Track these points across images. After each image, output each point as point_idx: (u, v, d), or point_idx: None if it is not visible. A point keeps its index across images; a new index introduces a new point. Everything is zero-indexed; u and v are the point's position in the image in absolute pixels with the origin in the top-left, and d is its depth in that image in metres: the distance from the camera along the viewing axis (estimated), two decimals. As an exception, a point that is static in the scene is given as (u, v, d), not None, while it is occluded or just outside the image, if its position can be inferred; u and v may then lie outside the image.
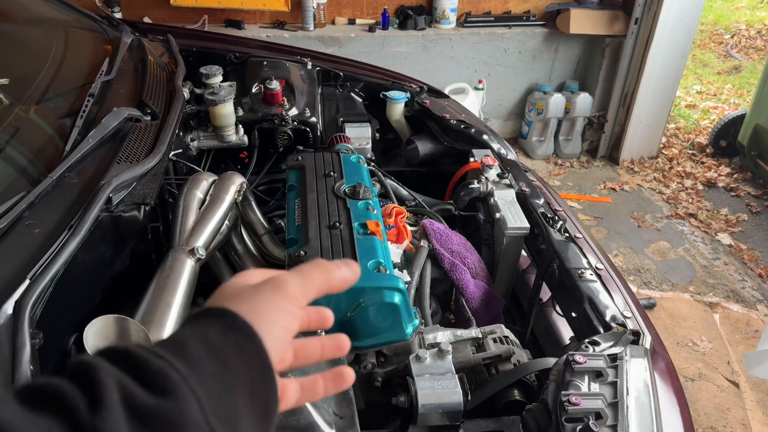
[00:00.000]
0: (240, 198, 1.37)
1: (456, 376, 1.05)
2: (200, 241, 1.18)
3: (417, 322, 1.15)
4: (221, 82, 1.83)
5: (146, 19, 3.65)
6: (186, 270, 1.10)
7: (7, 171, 1.12)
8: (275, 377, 0.49)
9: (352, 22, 3.99)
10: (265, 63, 2.02)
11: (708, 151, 4.57)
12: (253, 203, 1.46)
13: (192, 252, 1.14)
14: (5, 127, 1.19)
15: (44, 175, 1.08)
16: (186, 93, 1.66)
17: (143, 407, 0.39)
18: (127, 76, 1.56)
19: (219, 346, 0.46)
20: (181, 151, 1.68)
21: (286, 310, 0.53)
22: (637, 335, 1.16)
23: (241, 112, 1.82)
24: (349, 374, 0.60)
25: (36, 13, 1.80)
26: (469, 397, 1.06)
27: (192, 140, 1.77)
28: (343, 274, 0.60)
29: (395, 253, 1.36)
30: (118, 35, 1.77)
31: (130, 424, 0.38)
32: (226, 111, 1.73)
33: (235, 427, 0.44)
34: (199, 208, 1.26)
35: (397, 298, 1.09)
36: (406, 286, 1.17)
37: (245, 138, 1.81)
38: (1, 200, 1.01)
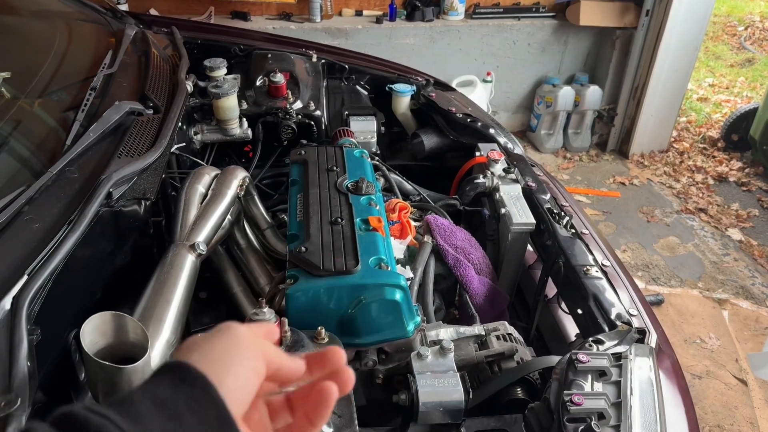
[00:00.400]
0: (242, 192, 1.36)
1: (458, 374, 1.04)
2: (201, 236, 1.17)
3: (419, 319, 1.14)
4: (225, 74, 1.82)
5: (152, 11, 3.64)
6: (186, 265, 1.09)
7: (7, 165, 1.11)
8: (234, 426, 0.47)
9: (359, 13, 3.96)
10: (269, 56, 2.00)
11: (719, 145, 4.51)
12: (256, 197, 1.46)
13: (193, 247, 1.13)
14: (7, 120, 1.19)
15: (44, 170, 1.08)
16: (189, 86, 1.65)
17: None
18: (130, 69, 1.55)
19: (169, 401, 0.45)
20: (184, 144, 1.68)
21: (245, 354, 0.52)
22: (642, 333, 1.15)
23: (245, 106, 1.81)
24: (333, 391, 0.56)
25: (40, 5, 1.80)
26: (471, 395, 1.05)
27: (195, 133, 1.76)
28: (294, 367, 0.56)
29: (398, 248, 1.35)
30: (122, 27, 1.76)
31: None
32: (230, 104, 1.72)
33: None
34: (201, 203, 1.26)
35: (398, 295, 1.08)
36: (409, 282, 1.16)
37: (249, 131, 1.80)
38: (1, 195, 1.00)
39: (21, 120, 1.24)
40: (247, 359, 0.52)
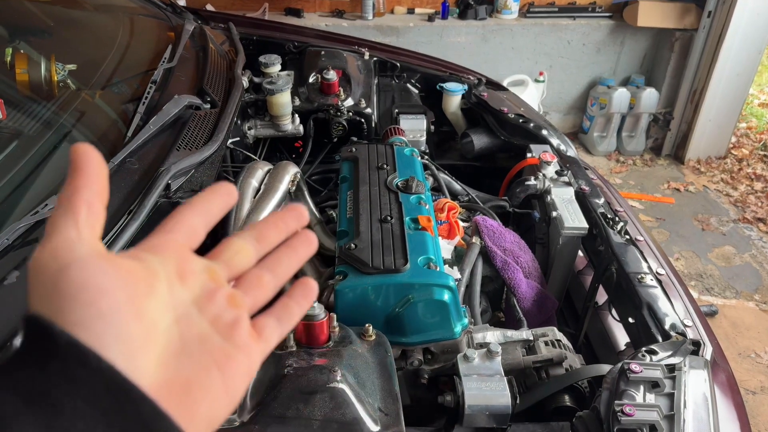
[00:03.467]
0: (294, 188, 1.38)
1: (505, 378, 1.03)
2: (253, 229, 1.19)
3: (466, 320, 1.13)
4: (279, 71, 1.84)
5: (209, 6, 3.71)
6: (238, 258, 1.11)
7: (72, 155, 1.15)
8: (136, 389, 0.34)
9: (411, 11, 3.95)
10: (323, 53, 2.02)
11: (781, 152, 4.33)
12: (306, 193, 1.47)
13: (245, 240, 1.15)
14: (72, 111, 1.23)
15: (107, 160, 1.11)
16: (245, 82, 1.68)
17: None
18: (189, 64, 1.59)
19: (39, 388, 0.32)
20: (238, 139, 1.71)
21: (109, 290, 0.36)
22: (697, 345, 1.11)
23: (297, 102, 1.83)
24: (313, 284, 0.47)
25: (104, 0, 1.86)
26: (518, 401, 1.03)
27: (249, 128, 1.79)
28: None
29: (446, 249, 1.34)
30: (181, 22, 1.81)
31: None
32: (284, 100, 1.74)
33: None
34: (254, 197, 1.28)
35: (446, 296, 1.08)
36: (456, 283, 1.16)
37: (301, 127, 1.82)
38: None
39: (84, 111, 1.28)
40: (103, 295, 0.35)
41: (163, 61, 1.50)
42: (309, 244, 0.47)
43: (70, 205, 0.37)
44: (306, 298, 0.46)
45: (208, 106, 1.44)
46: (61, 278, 0.35)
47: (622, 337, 1.39)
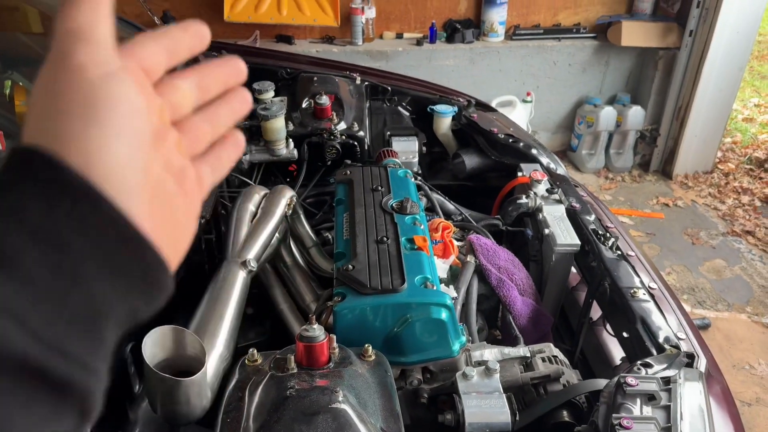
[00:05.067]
0: (290, 211, 1.40)
1: (504, 395, 1.04)
2: (252, 253, 1.21)
3: (464, 338, 1.15)
4: (273, 97, 1.87)
5: (201, 35, 3.76)
6: (238, 282, 1.12)
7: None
8: (143, 238, 0.34)
9: (399, 36, 4.02)
10: (315, 78, 2.06)
11: (766, 166, 4.40)
12: (302, 216, 1.49)
13: (244, 264, 1.17)
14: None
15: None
16: (239, 108, 1.70)
17: None
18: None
19: (47, 229, 0.31)
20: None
21: (134, 114, 0.35)
22: (691, 358, 1.13)
23: (291, 127, 1.86)
24: (241, 135, 0.45)
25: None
26: (517, 417, 1.05)
27: (244, 154, 1.81)
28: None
29: (442, 268, 1.36)
30: (176, 52, 1.83)
31: None
32: (278, 125, 1.77)
33: (94, 323, 0.32)
34: (251, 221, 1.30)
35: (444, 314, 1.10)
36: (453, 302, 1.17)
37: (295, 152, 1.84)
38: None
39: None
40: (132, 132, 0.35)
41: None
42: (244, 101, 0.45)
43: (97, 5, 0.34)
44: (236, 148, 0.45)
45: (204, 133, 1.46)
46: (101, 91, 0.33)
47: (617, 352, 1.40)
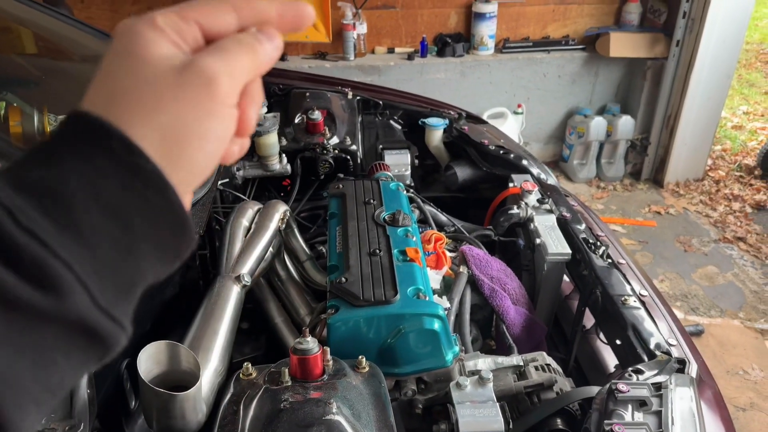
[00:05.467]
0: (284, 225, 1.41)
1: (497, 404, 1.05)
2: (246, 268, 1.22)
3: (457, 349, 1.16)
4: (266, 113, 1.89)
5: (193, 53, 3.79)
6: (232, 296, 1.13)
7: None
8: (189, 227, 0.38)
9: (391, 50, 4.06)
10: (307, 94, 2.08)
11: (756, 173, 4.44)
12: (296, 230, 1.50)
13: (238, 279, 1.18)
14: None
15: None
16: (232, 124, 1.72)
17: (15, 300, 0.31)
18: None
19: (118, 207, 0.34)
20: (227, 180, 1.74)
21: (219, 118, 0.39)
22: (682, 363, 1.14)
23: (284, 142, 1.88)
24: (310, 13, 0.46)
25: (93, 51, 1.90)
26: (511, 426, 1.06)
27: (238, 169, 1.83)
28: (269, 52, 0.43)
29: (434, 279, 1.37)
30: (168, 70, 1.85)
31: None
32: (271, 141, 1.78)
33: (132, 290, 0.36)
34: (245, 236, 1.31)
35: (436, 325, 1.11)
36: (446, 312, 1.18)
37: (288, 167, 1.86)
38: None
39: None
40: (224, 124, 0.39)
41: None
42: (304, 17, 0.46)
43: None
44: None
45: (197, 149, 1.47)
46: (183, 75, 0.38)
47: (610, 360, 1.41)
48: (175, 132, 0.37)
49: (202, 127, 0.38)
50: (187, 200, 0.39)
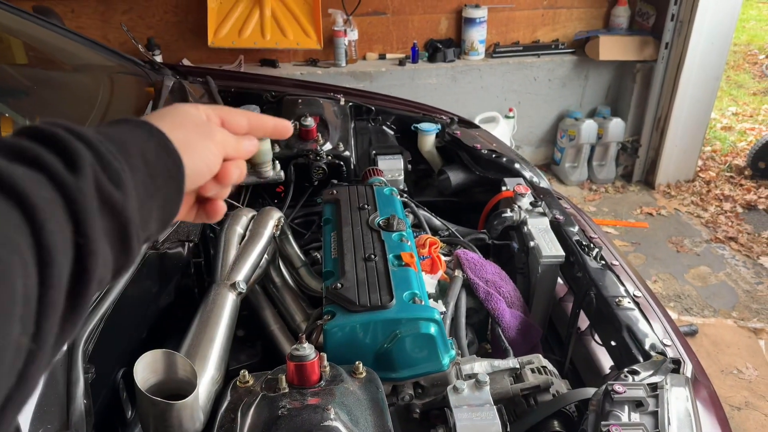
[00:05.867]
0: (278, 232, 1.41)
1: (494, 407, 1.05)
2: (241, 275, 1.22)
3: (453, 352, 1.16)
4: (258, 120, 1.89)
5: (185, 61, 3.79)
6: (228, 304, 1.13)
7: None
8: (183, 195, 0.56)
9: (382, 57, 4.07)
10: (300, 101, 2.08)
11: (746, 173, 4.48)
12: (290, 237, 1.50)
13: (233, 286, 1.18)
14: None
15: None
16: (225, 132, 1.72)
17: (106, 193, 0.45)
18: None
19: (153, 164, 0.52)
20: (220, 187, 1.74)
21: (209, 148, 0.61)
22: (677, 363, 1.15)
23: (277, 149, 1.88)
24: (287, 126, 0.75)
25: (84, 61, 1.90)
26: (509, 429, 1.06)
27: (230, 177, 1.82)
28: (248, 145, 0.68)
29: (430, 283, 1.38)
30: (160, 79, 1.86)
31: (97, 202, 0.44)
32: (264, 148, 1.78)
33: (148, 225, 0.52)
34: (240, 243, 1.31)
35: (433, 329, 1.11)
36: (442, 316, 1.19)
37: (282, 173, 1.86)
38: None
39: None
40: (211, 152, 0.61)
41: (145, 117, 1.54)
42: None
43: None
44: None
45: (191, 157, 1.48)
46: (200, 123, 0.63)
47: (606, 361, 1.42)
48: (187, 142, 0.58)
49: (200, 146, 0.60)
50: (188, 184, 0.57)
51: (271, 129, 0.72)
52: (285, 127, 0.73)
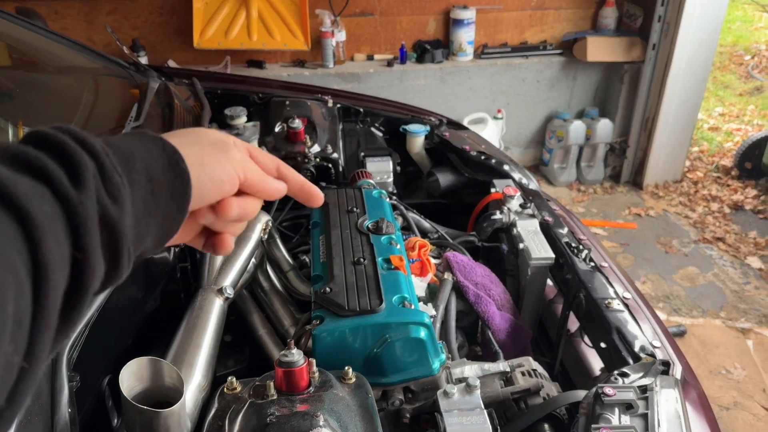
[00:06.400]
0: (266, 236, 1.40)
1: (485, 411, 1.05)
2: (228, 280, 1.20)
3: (444, 356, 1.15)
4: (245, 122, 1.88)
5: (171, 62, 3.76)
6: (215, 309, 1.12)
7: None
8: (185, 215, 0.55)
9: (370, 58, 4.06)
10: (287, 102, 2.07)
11: (733, 173, 4.51)
12: (278, 240, 1.49)
13: (220, 291, 1.16)
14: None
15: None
16: (212, 134, 1.70)
17: (102, 206, 0.45)
18: (155, 121, 1.61)
19: (157, 180, 0.51)
20: (207, 191, 1.72)
21: (224, 167, 0.59)
22: (667, 365, 1.15)
23: (265, 151, 1.86)
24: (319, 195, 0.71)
25: (68, 63, 1.88)
26: (499, 432, 1.05)
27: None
28: (276, 185, 0.66)
29: (419, 286, 1.37)
30: (146, 80, 1.84)
31: (97, 216, 0.44)
32: (251, 150, 1.77)
33: (143, 241, 0.51)
34: (227, 248, 1.29)
35: (423, 333, 1.10)
36: (432, 320, 1.18)
37: (269, 176, 1.84)
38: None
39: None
40: (223, 169, 0.59)
41: (130, 120, 1.52)
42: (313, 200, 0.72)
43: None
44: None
45: (177, 161, 1.46)
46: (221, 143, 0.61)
47: (596, 363, 1.42)
48: (198, 156, 0.57)
49: (213, 161, 0.58)
50: (194, 203, 0.56)
51: (298, 186, 0.68)
52: (313, 192, 0.69)
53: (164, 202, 0.52)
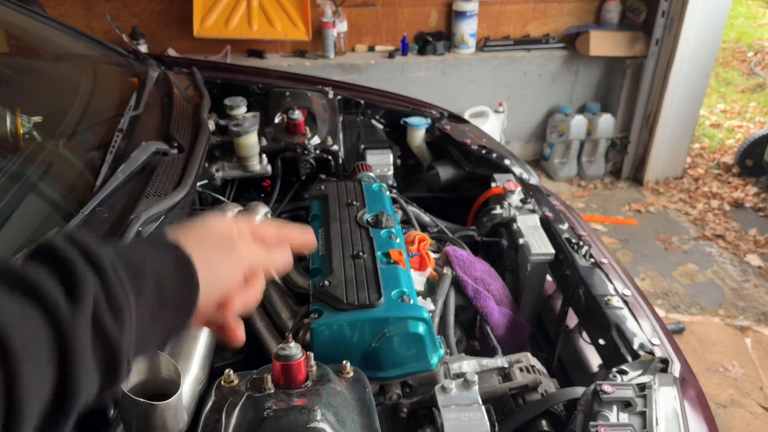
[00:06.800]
0: (264, 228, 1.38)
1: (483, 407, 1.04)
2: (226, 272, 1.19)
3: (442, 351, 1.15)
4: (245, 113, 1.86)
5: (170, 50, 3.74)
6: (212, 301, 1.11)
7: (40, 207, 1.15)
8: (190, 323, 0.57)
9: (371, 49, 4.04)
10: (287, 93, 2.05)
11: (734, 170, 4.51)
12: (278, 233, 1.48)
13: (218, 283, 1.15)
14: (39, 163, 1.23)
15: (76, 211, 1.11)
16: (211, 125, 1.70)
17: (102, 324, 0.45)
18: (155, 110, 1.60)
19: (167, 291, 0.52)
20: (206, 181, 1.71)
21: (231, 264, 0.62)
22: (665, 363, 1.14)
23: (264, 142, 1.85)
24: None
25: (66, 50, 1.86)
26: (497, 429, 1.05)
27: (217, 170, 1.80)
28: (279, 255, 0.72)
29: (418, 281, 1.36)
30: (145, 69, 1.82)
31: (90, 336, 0.44)
32: (251, 141, 1.76)
33: (144, 348, 0.51)
34: (225, 239, 1.28)
35: (421, 328, 1.09)
36: (430, 314, 1.17)
37: (269, 167, 1.84)
38: (36, 237, 1.04)
39: (52, 163, 1.28)
40: (229, 268, 0.62)
41: (129, 109, 1.51)
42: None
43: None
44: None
45: (176, 151, 1.45)
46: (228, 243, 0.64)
47: (594, 359, 1.42)
48: (209, 263, 0.58)
49: (220, 264, 0.61)
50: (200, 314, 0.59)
51: (296, 239, 0.76)
52: (307, 238, 0.79)
53: (171, 313, 0.53)
